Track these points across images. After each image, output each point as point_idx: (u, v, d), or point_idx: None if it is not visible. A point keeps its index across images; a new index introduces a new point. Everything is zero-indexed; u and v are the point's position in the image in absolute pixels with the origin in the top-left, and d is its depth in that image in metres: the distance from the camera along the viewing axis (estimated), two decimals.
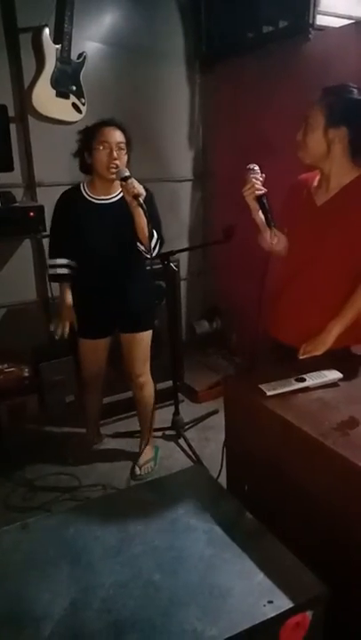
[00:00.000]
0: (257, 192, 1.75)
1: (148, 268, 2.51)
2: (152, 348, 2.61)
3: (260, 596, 1.13)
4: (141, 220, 2.16)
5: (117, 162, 2.19)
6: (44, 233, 2.88)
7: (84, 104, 3.17)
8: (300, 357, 1.77)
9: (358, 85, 1.69)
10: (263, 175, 1.77)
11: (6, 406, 3.03)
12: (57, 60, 3.02)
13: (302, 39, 2.80)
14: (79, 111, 3.16)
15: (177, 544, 1.29)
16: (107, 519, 1.40)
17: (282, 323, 1.93)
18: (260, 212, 1.79)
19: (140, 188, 2.12)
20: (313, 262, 1.81)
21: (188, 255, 3.89)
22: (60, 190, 2.43)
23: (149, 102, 3.49)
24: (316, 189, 1.83)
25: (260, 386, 1.58)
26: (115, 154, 2.19)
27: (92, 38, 3.21)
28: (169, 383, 3.07)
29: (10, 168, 2.94)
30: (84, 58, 3.12)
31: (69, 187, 2.42)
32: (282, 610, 1.09)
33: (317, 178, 1.84)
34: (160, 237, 2.28)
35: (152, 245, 2.23)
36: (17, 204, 2.99)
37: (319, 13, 2.75)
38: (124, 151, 2.23)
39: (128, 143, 2.25)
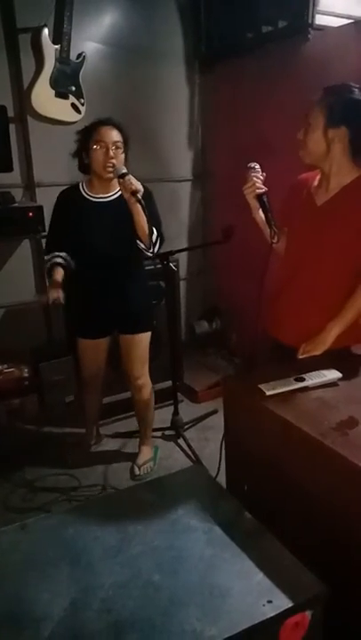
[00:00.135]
0: (258, 191, 1.76)
1: (147, 267, 2.50)
2: (151, 349, 2.60)
3: (260, 596, 1.12)
4: (140, 217, 2.16)
5: (114, 161, 2.19)
6: (44, 233, 2.88)
7: (83, 104, 3.17)
8: (300, 357, 1.77)
9: (358, 85, 1.69)
10: (264, 174, 1.78)
11: (6, 406, 3.03)
12: (56, 60, 3.02)
13: (301, 39, 2.80)
14: (78, 111, 3.16)
15: (176, 544, 1.29)
16: (106, 519, 1.40)
17: (281, 322, 1.93)
18: (261, 211, 1.79)
19: (137, 185, 2.13)
20: (313, 262, 1.81)
21: (188, 255, 3.89)
22: (60, 190, 2.43)
23: (149, 102, 3.49)
24: (316, 189, 1.84)
25: (259, 386, 1.58)
26: (111, 153, 2.19)
27: (92, 38, 3.21)
28: (168, 383, 3.07)
29: (9, 168, 2.94)
30: (84, 58, 3.12)
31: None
32: (281, 609, 1.09)
33: (318, 177, 1.84)
34: (160, 235, 2.28)
35: (152, 242, 2.23)
36: (16, 205, 2.99)
37: (318, 13, 2.76)
38: (121, 150, 2.23)
39: (125, 142, 2.25)
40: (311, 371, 1.65)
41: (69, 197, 2.37)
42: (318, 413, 1.47)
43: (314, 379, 1.62)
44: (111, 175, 2.20)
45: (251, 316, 1.84)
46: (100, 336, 2.55)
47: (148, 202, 2.25)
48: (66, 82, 3.09)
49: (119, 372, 2.69)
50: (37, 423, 3.12)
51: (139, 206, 2.11)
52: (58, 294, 2.31)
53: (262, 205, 1.77)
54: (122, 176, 2.13)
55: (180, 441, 2.94)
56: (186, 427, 3.05)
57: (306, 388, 1.59)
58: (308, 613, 1.13)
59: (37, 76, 3.02)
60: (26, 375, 3.10)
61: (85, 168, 2.30)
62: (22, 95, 3.06)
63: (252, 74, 3.21)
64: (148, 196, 2.28)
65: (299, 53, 2.85)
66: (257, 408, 1.55)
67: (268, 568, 1.20)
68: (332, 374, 1.64)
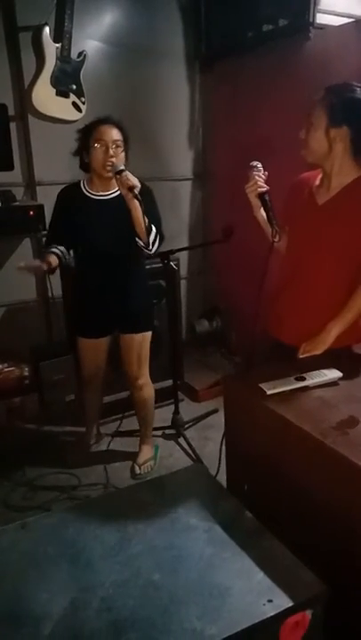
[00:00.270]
0: (259, 189, 1.76)
1: (147, 267, 2.50)
2: (152, 349, 2.60)
3: (260, 595, 1.12)
4: (138, 212, 2.15)
5: (114, 159, 2.19)
6: (44, 232, 2.87)
7: (84, 103, 3.16)
8: (300, 357, 1.77)
9: (360, 84, 1.68)
10: (266, 173, 1.78)
11: (6, 405, 3.03)
12: (57, 58, 3.02)
13: (302, 38, 2.80)
14: (79, 110, 3.16)
15: (177, 543, 1.29)
16: (106, 518, 1.40)
17: (282, 322, 1.93)
18: (262, 210, 1.80)
19: (134, 180, 2.12)
20: (314, 261, 1.81)
21: (188, 254, 3.89)
22: (60, 189, 2.43)
23: (149, 101, 3.49)
24: (317, 188, 1.83)
25: (259, 385, 1.58)
26: (111, 152, 2.19)
27: (93, 37, 3.21)
28: (169, 382, 3.07)
29: (10, 167, 2.94)
30: (84, 57, 3.12)
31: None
32: (281, 609, 1.09)
33: (319, 177, 1.84)
34: (160, 233, 2.27)
35: (150, 240, 2.22)
36: (17, 203, 2.99)
37: (319, 12, 2.75)
38: (121, 149, 2.23)
39: (125, 141, 2.25)
40: (312, 370, 1.65)
41: (70, 195, 2.37)
42: (319, 413, 1.47)
43: (314, 378, 1.62)
44: (110, 174, 2.20)
45: (251, 314, 1.84)
46: (100, 335, 2.55)
47: (149, 200, 2.25)
48: (67, 80, 3.09)
49: (119, 371, 2.69)
50: (37, 422, 3.12)
51: (136, 202, 2.11)
52: (45, 262, 2.24)
53: (264, 204, 1.78)
54: (119, 172, 2.13)
55: (181, 440, 2.94)
56: (186, 426, 3.05)
57: (306, 388, 1.59)
58: (308, 613, 1.13)
59: (38, 74, 3.02)
60: (26, 374, 3.10)
61: (86, 167, 2.30)
62: (23, 94, 3.06)
63: (253, 73, 3.21)
64: (148, 194, 2.28)
65: (299, 52, 2.84)
66: (257, 407, 1.55)
67: (268, 567, 1.20)
68: (333, 373, 1.64)
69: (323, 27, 2.77)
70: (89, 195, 2.33)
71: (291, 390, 1.58)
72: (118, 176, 2.13)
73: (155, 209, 2.32)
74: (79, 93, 3.15)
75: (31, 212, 2.93)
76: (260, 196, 1.77)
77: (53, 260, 2.27)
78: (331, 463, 1.30)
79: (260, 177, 1.76)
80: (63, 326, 3.26)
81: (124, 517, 1.39)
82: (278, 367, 1.72)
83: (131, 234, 2.23)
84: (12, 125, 3.00)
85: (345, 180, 1.75)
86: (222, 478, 1.83)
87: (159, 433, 2.97)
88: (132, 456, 2.75)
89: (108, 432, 2.97)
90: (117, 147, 2.21)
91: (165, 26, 3.45)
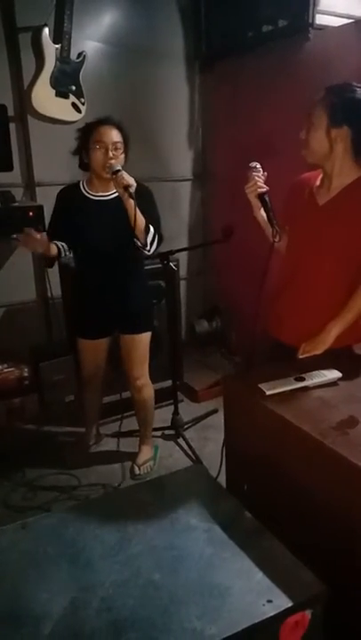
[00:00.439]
0: (259, 190, 1.76)
1: (147, 267, 2.50)
2: (151, 349, 2.60)
3: (260, 595, 1.13)
4: (133, 212, 2.15)
5: (112, 161, 2.19)
6: (44, 232, 2.87)
7: (83, 104, 3.17)
8: (300, 357, 1.77)
9: (360, 85, 1.69)
10: (265, 173, 1.78)
11: (6, 406, 3.03)
12: (56, 59, 3.02)
13: (302, 38, 2.80)
14: (79, 111, 3.16)
15: (176, 543, 1.29)
16: (106, 518, 1.40)
17: (282, 322, 1.93)
18: (262, 210, 1.80)
19: (129, 179, 2.13)
20: (314, 261, 1.81)
21: (188, 254, 3.89)
22: (60, 190, 2.43)
23: (149, 102, 3.49)
24: (318, 189, 1.84)
25: (259, 385, 1.58)
26: (110, 154, 2.19)
27: (92, 38, 3.21)
28: (168, 382, 3.07)
29: (9, 168, 2.94)
30: (84, 57, 3.12)
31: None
32: (281, 609, 1.09)
33: (319, 177, 1.84)
34: (158, 234, 2.27)
35: (148, 241, 2.22)
36: (16, 204, 2.99)
37: (319, 12, 2.76)
38: (121, 150, 2.23)
39: (125, 142, 2.25)
40: (311, 370, 1.66)
41: (69, 195, 2.37)
42: (318, 413, 1.47)
43: (314, 378, 1.62)
44: (109, 176, 2.20)
45: (251, 315, 1.84)
46: (100, 336, 2.55)
47: (148, 201, 2.25)
48: (66, 81, 3.09)
49: (119, 371, 2.69)
50: (37, 423, 3.12)
51: (132, 202, 2.11)
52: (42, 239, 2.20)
53: (264, 204, 1.78)
54: (115, 172, 2.13)
55: (180, 440, 2.94)
56: (186, 426, 3.05)
57: (306, 388, 1.59)
58: (307, 612, 1.13)
59: (38, 75, 3.02)
60: (26, 375, 3.10)
61: (85, 166, 2.30)
62: (22, 94, 3.06)
63: (253, 73, 3.21)
64: (147, 194, 2.28)
65: (299, 53, 2.85)
66: (257, 407, 1.55)
67: (267, 567, 1.20)
68: (333, 374, 1.64)
69: (322, 27, 2.77)
70: (88, 195, 2.33)
71: (290, 390, 1.58)
72: (114, 176, 2.14)
73: (154, 209, 2.32)
74: (79, 94, 3.15)
75: (31, 213, 2.93)
76: (260, 196, 1.77)
77: (52, 248, 2.26)
78: (330, 463, 1.30)
79: (259, 177, 1.77)
80: (63, 326, 3.26)
81: (123, 517, 1.39)
82: (278, 367, 1.72)
83: (130, 234, 2.23)
84: (12, 126, 3.00)
85: (345, 180, 1.75)
86: (222, 478, 1.83)
87: (159, 433, 2.97)
88: (132, 456, 2.75)
89: (108, 432, 2.97)
90: (117, 148, 2.21)
91: (165, 26, 3.45)
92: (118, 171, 2.13)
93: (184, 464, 2.70)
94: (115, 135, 2.21)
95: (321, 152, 1.73)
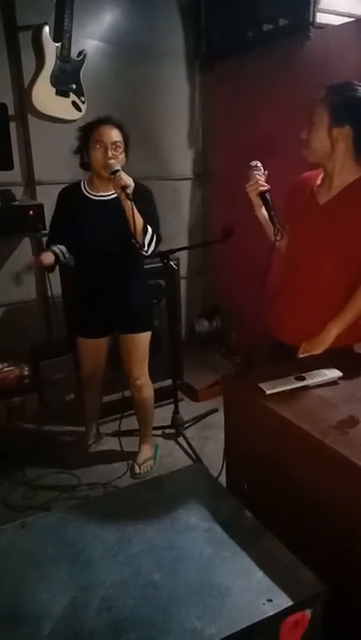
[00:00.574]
0: (260, 188, 1.76)
1: (147, 266, 2.49)
2: (151, 348, 2.60)
3: (260, 595, 1.12)
4: (130, 212, 2.15)
5: (112, 161, 2.18)
6: (44, 231, 2.87)
7: (83, 102, 3.16)
8: (300, 356, 1.77)
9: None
10: (266, 172, 1.78)
11: (6, 405, 3.03)
12: (57, 58, 3.02)
13: (302, 37, 2.80)
14: (79, 109, 3.16)
15: (176, 543, 1.29)
16: (106, 518, 1.40)
17: (282, 321, 1.93)
18: (263, 209, 1.80)
19: (127, 180, 2.12)
20: (314, 260, 1.81)
21: (188, 254, 3.89)
22: (60, 188, 2.43)
23: (149, 101, 3.49)
24: (318, 188, 1.83)
25: (259, 384, 1.58)
26: (110, 153, 2.19)
27: (92, 36, 3.21)
28: (169, 382, 3.07)
29: (10, 166, 2.94)
30: (84, 56, 3.12)
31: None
32: (281, 608, 1.09)
33: (320, 176, 1.84)
34: (156, 235, 2.26)
35: (146, 241, 2.21)
36: (17, 203, 2.99)
37: (319, 11, 2.76)
38: (121, 150, 2.23)
39: (126, 142, 2.25)
40: (312, 369, 1.65)
41: (70, 195, 2.37)
42: (319, 412, 1.47)
43: (314, 378, 1.62)
44: (108, 175, 2.20)
45: (251, 314, 1.84)
46: (100, 335, 2.55)
47: (147, 201, 2.25)
48: (66, 80, 3.09)
49: (119, 371, 2.69)
50: (37, 422, 3.12)
51: (129, 202, 2.11)
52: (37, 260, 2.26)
53: (265, 203, 1.78)
54: (113, 172, 2.13)
55: (181, 439, 2.95)
56: (186, 425, 3.05)
57: (306, 387, 1.59)
58: (307, 612, 1.13)
59: (38, 73, 3.02)
60: (26, 374, 3.10)
61: (86, 165, 2.31)
62: (23, 93, 3.06)
63: (253, 72, 3.21)
64: (147, 195, 2.28)
65: (300, 52, 2.84)
66: (257, 407, 1.55)
67: (267, 567, 1.20)
68: (333, 373, 1.64)
69: (323, 26, 2.77)
70: (89, 195, 2.33)
71: (290, 390, 1.57)
72: (113, 176, 2.14)
73: (153, 210, 2.32)
74: (79, 93, 3.15)
75: (31, 212, 2.93)
76: (262, 194, 1.77)
77: (47, 257, 2.26)
78: (331, 463, 1.30)
79: (260, 176, 1.77)
80: (63, 326, 3.26)
81: (123, 517, 1.39)
82: (278, 367, 1.72)
83: (130, 234, 2.23)
84: (12, 125, 3.01)
85: (346, 179, 1.75)
86: (222, 478, 1.83)
87: (159, 432, 2.97)
88: (132, 455, 2.75)
89: (108, 431, 2.97)
90: (117, 148, 2.21)
91: (165, 26, 3.45)
92: (117, 171, 2.13)
93: (184, 463, 2.70)
94: (115, 135, 2.21)
95: (322, 151, 1.72)
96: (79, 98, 3.15)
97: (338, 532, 1.32)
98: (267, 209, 1.79)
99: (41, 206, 2.94)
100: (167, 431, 3.00)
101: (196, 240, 3.90)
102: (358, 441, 1.32)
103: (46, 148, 3.14)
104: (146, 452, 2.75)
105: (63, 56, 3.03)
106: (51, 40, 2.98)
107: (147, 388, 2.64)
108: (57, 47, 3.00)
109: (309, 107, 1.72)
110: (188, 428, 3.05)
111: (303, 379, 1.61)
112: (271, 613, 1.08)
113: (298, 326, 1.85)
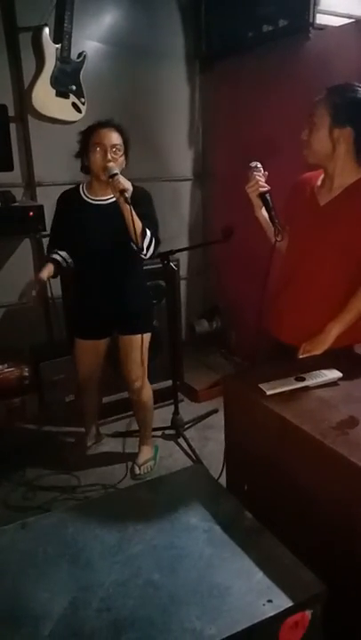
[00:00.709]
0: (261, 189, 1.77)
1: (147, 267, 2.49)
2: (151, 349, 2.60)
3: (260, 595, 1.12)
4: (129, 216, 2.15)
5: (111, 164, 2.18)
6: (44, 232, 2.88)
7: (83, 103, 3.17)
8: (300, 357, 1.77)
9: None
10: (266, 173, 1.78)
11: (6, 405, 3.03)
12: (57, 59, 3.02)
13: (302, 38, 2.80)
14: (79, 111, 3.16)
15: (176, 543, 1.29)
16: (106, 518, 1.40)
17: (282, 322, 1.93)
18: (264, 209, 1.80)
19: (125, 184, 2.13)
20: (314, 261, 1.81)
21: (188, 254, 3.89)
22: (60, 190, 2.43)
23: (149, 101, 3.49)
24: (319, 189, 1.84)
25: (259, 385, 1.58)
26: (109, 156, 2.19)
27: (92, 38, 3.21)
28: (168, 382, 3.07)
29: (9, 167, 2.94)
30: (84, 57, 3.12)
31: (69, 186, 2.43)
32: (281, 609, 1.09)
33: (321, 177, 1.84)
34: (155, 237, 2.26)
35: (145, 245, 2.21)
36: (16, 204, 2.99)
37: (319, 12, 2.76)
38: (121, 152, 2.23)
39: (126, 145, 2.25)
40: (312, 370, 1.65)
41: (69, 199, 2.37)
42: (319, 413, 1.47)
43: (314, 378, 1.62)
44: (107, 178, 2.20)
45: (251, 315, 1.84)
46: (99, 337, 2.54)
47: (147, 204, 2.25)
48: (66, 81, 3.09)
49: (119, 371, 2.69)
50: (37, 422, 3.12)
51: (127, 206, 2.11)
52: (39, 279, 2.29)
53: (265, 203, 1.79)
54: (112, 176, 2.14)
55: (181, 440, 2.95)
56: (186, 426, 3.05)
57: (306, 388, 1.59)
58: (307, 613, 1.13)
59: (38, 75, 3.02)
60: (26, 374, 3.10)
61: (87, 169, 2.30)
62: (23, 94, 3.06)
63: (253, 73, 3.21)
64: (146, 198, 2.28)
65: (299, 53, 2.85)
66: (257, 407, 1.55)
67: (267, 567, 1.20)
68: (333, 374, 1.64)
69: (323, 27, 2.77)
70: (87, 199, 2.33)
71: (290, 390, 1.58)
72: (111, 179, 2.14)
73: (152, 212, 2.32)
74: (79, 94, 3.15)
75: (31, 213, 2.93)
76: (262, 195, 1.78)
77: (46, 272, 2.30)
78: (331, 463, 1.30)
79: (260, 177, 1.77)
80: (63, 326, 3.26)
81: (123, 517, 1.39)
82: (278, 367, 1.72)
83: (129, 238, 2.23)
84: (12, 126, 3.01)
85: (347, 180, 1.75)
86: (222, 478, 1.83)
87: (159, 433, 2.97)
88: (132, 456, 2.75)
89: (108, 432, 2.97)
90: (117, 151, 2.21)
91: (165, 26, 3.45)
92: (115, 174, 2.13)
93: (184, 464, 2.70)
94: (114, 137, 2.21)
95: (323, 152, 1.72)
96: (79, 99, 3.15)
97: (338, 532, 1.32)
98: (267, 210, 1.79)
99: (41, 207, 2.94)
100: (167, 432, 3.00)
101: (196, 240, 3.90)
102: (358, 441, 1.32)
103: (46, 149, 3.15)
104: (146, 452, 2.75)
105: (63, 57, 3.04)
106: (51, 41, 2.98)
107: (145, 390, 2.63)
108: (57, 48, 3.01)
109: (310, 107, 1.72)
110: (188, 428, 3.05)
111: (303, 379, 1.61)
112: (271, 614, 1.08)
113: (298, 326, 1.85)
